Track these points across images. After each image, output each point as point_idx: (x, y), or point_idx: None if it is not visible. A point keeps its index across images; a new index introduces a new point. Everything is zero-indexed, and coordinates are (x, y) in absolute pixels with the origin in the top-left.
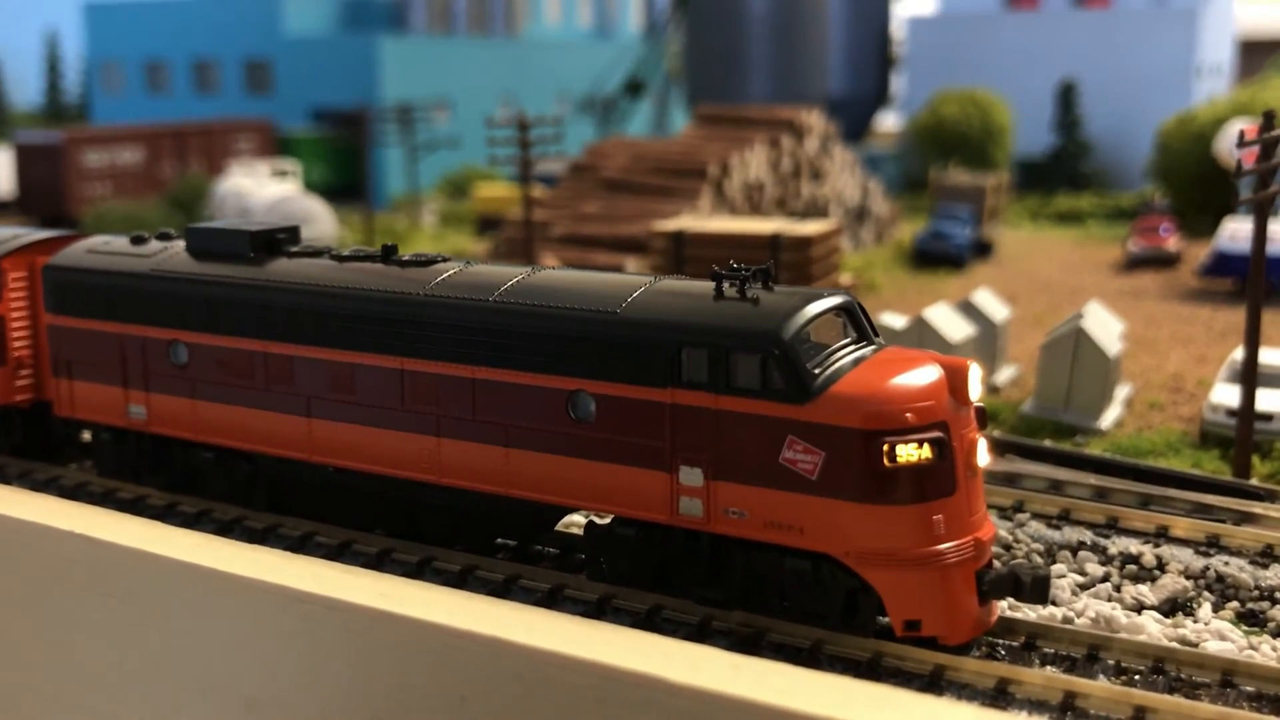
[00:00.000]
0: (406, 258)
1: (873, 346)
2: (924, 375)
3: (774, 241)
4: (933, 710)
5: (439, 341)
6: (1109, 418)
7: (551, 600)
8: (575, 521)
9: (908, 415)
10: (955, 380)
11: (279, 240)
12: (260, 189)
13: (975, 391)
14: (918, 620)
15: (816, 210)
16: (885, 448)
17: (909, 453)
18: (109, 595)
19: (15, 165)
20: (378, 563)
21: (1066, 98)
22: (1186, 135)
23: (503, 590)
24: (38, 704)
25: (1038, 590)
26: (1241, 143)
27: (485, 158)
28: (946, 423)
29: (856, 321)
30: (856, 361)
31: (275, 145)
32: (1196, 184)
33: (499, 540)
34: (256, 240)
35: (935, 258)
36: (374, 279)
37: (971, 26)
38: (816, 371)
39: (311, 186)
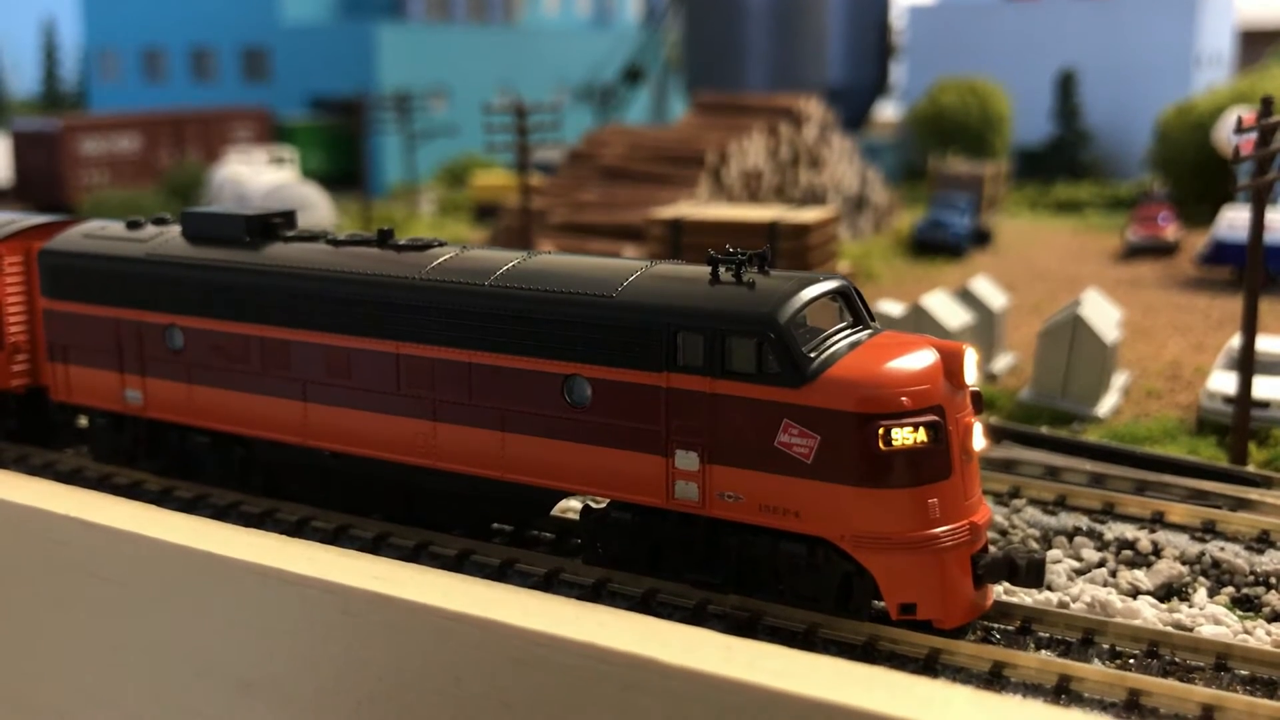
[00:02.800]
0: (403, 242)
1: (869, 331)
2: (919, 359)
3: (772, 229)
4: (927, 692)
5: (435, 326)
6: (1106, 405)
7: (548, 584)
8: (571, 507)
9: (903, 399)
10: (951, 364)
11: (275, 225)
12: (257, 176)
13: (971, 376)
14: (913, 604)
15: (815, 198)
16: (880, 431)
17: (904, 436)
18: (105, 578)
19: (12, 153)
20: (374, 547)
21: (1066, 87)
22: (1186, 124)
23: (499, 574)
24: (33, 687)
25: (1033, 574)
26: (1239, 129)
27: (483, 146)
28: (942, 406)
29: (853, 306)
30: (852, 345)
31: (273, 133)
32: (1196, 173)
33: (495, 525)
34: (252, 224)
35: (934, 246)
36: (370, 263)
37: (971, 16)
38: (812, 355)
39: (309, 174)
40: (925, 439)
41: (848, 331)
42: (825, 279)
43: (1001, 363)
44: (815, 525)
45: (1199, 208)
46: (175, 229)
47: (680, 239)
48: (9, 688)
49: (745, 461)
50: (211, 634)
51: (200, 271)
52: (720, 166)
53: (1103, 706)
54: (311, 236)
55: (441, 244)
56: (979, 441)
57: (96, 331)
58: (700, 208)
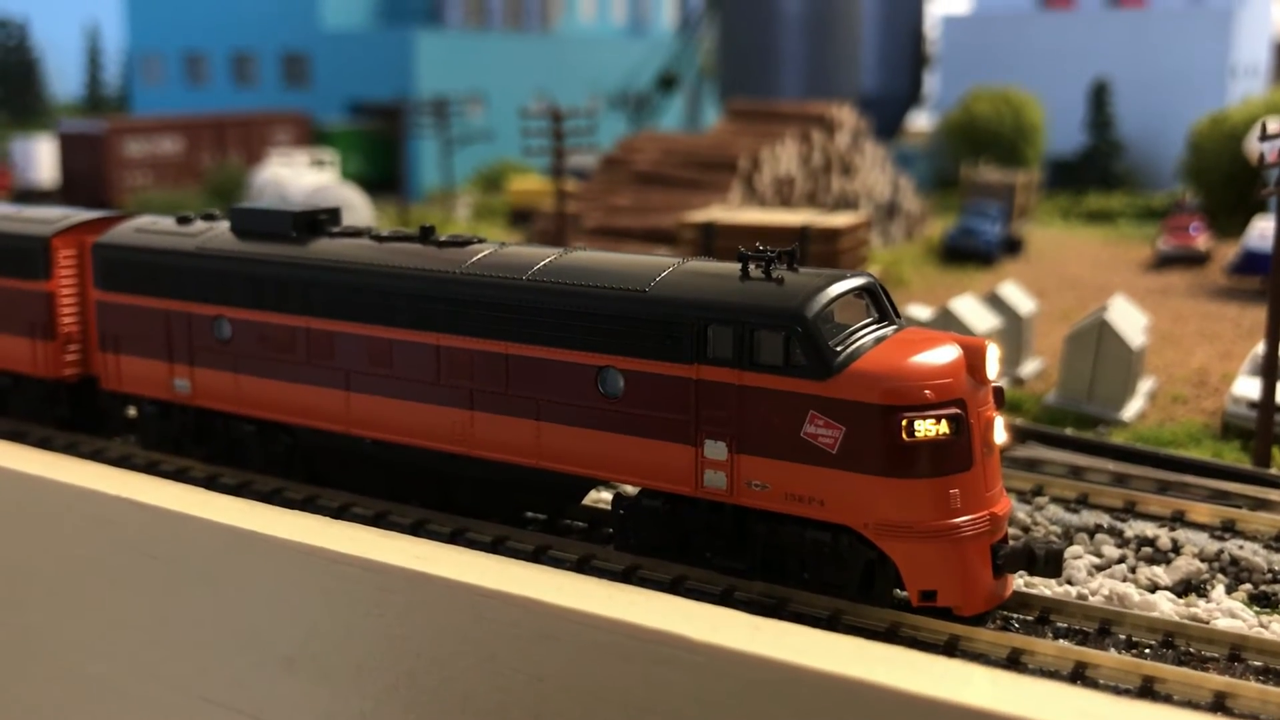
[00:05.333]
0: (443, 238)
1: (894, 326)
2: (943, 354)
3: (802, 233)
4: (945, 670)
5: (474, 318)
6: (1131, 409)
7: (580, 569)
8: (603, 499)
9: (926, 392)
10: (973, 359)
11: (320, 221)
12: (298, 178)
13: (993, 371)
14: (933, 591)
15: (847, 205)
16: (904, 423)
17: (927, 428)
18: (153, 557)
19: (59, 154)
20: (412, 533)
21: (1099, 97)
22: (1219, 135)
23: (533, 560)
24: (83, 660)
25: (1051, 564)
26: (1264, 136)
27: (519, 150)
28: (964, 400)
29: (878, 302)
30: (877, 340)
31: (312, 137)
32: (1228, 184)
33: (529, 513)
34: (299, 220)
35: (964, 254)
36: (412, 258)
37: (1005, 25)
38: (838, 349)
39: (348, 178)
40: (947, 431)
41: (873, 327)
42: (852, 276)
43: (1029, 367)
44: (839, 513)
45: (1231, 218)
46: (224, 225)
47: (712, 242)
48: (61, 661)
49: (772, 451)
50: (255, 611)
51: (249, 265)
52: (753, 172)
53: (1117, 692)
54: (355, 233)
55: (481, 241)
56: (1000, 435)
57: (147, 322)
58: (732, 212)
